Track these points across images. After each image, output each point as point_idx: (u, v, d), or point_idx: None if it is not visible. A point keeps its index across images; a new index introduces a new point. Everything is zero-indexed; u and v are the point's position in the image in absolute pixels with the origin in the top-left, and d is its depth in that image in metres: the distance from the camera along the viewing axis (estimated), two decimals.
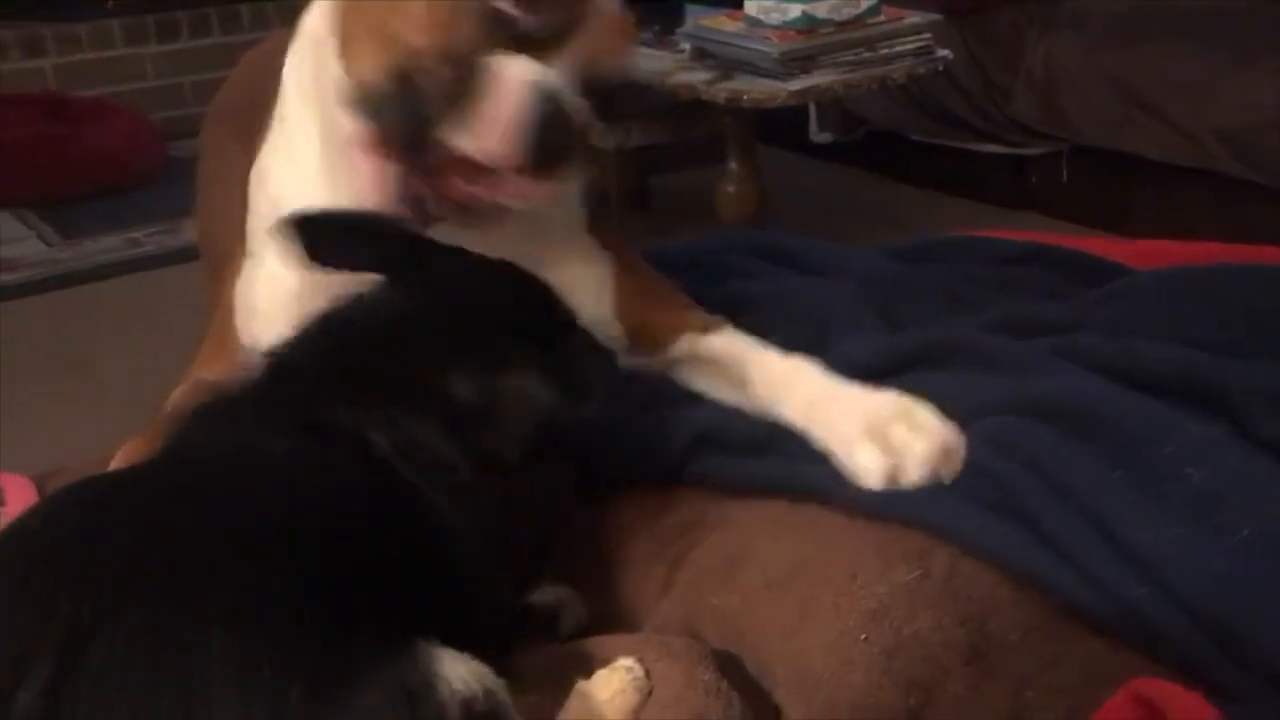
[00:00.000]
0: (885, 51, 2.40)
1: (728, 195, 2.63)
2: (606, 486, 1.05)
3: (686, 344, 1.13)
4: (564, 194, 1.07)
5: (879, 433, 0.94)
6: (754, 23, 2.38)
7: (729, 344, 1.10)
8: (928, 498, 0.90)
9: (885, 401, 0.97)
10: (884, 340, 1.13)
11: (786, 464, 0.97)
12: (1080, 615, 0.83)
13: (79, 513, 0.65)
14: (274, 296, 1.06)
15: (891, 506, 0.90)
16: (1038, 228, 2.98)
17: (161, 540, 0.61)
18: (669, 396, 1.10)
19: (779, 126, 3.16)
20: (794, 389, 1.02)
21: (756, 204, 2.67)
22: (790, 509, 0.94)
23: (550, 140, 0.91)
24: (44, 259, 3.13)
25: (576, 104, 0.93)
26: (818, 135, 3.46)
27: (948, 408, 0.97)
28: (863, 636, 0.80)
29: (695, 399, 1.09)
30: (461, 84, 0.90)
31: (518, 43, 0.92)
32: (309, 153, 1.03)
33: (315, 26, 1.05)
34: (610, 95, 0.98)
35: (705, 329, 1.13)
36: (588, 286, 1.10)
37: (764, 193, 2.69)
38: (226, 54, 4.01)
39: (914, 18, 2.46)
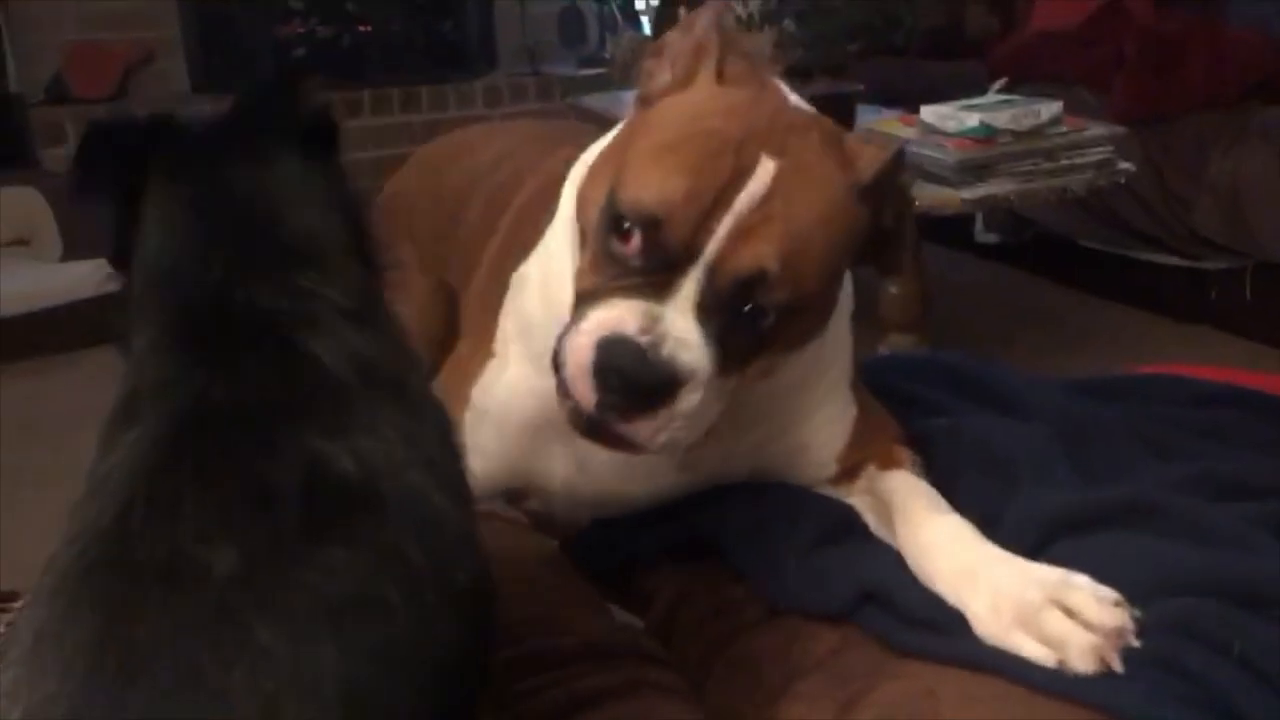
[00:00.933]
0: (1065, 162, 2.35)
1: (891, 297, 2.60)
2: (769, 612, 1.03)
3: (865, 479, 1.12)
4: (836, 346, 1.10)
5: (1033, 622, 0.89)
6: (929, 129, 2.36)
7: (895, 489, 1.08)
8: (1109, 685, 0.85)
9: (1038, 581, 0.92)
10: (1073, 496, 1.08)
11: (958, 641, 0.93)
12: None
13: None
14: (511, 402, 1.09)
15: (1070, 688, 0.85)
16: (1216, 345, 2.86)
17: None
18: (850, 529, 1.08)
19: (942, 223, 3.12)
20: (942, 557, 0.98)
21: (920, 307, 2.63)
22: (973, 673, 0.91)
23: (634, 384, 0.87)
24: None
25: (681, 338, 0.89)
26: (983, 235, 3.40)
27: (1135, 577, 0.92)
28: None
29: (873, 540, 1.07)
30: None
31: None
32: (563, 284, 1.02)
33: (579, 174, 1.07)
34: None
35: (886, 464, 1.12)
36: (831, 432, 1.12)
37: (929, 295, 2.65)
38: (405, 133, 4.19)
39: (1097, 129, 2.40)
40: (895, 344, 2.56)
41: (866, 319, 2.57)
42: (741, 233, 0.88)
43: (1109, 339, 2.94)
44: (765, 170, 0.89)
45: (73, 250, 3.31)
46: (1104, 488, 1.11)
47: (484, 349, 1.13)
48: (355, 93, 4.26)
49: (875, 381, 1.34)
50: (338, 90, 4.25)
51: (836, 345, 1.12)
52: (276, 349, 0.71)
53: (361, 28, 4.42)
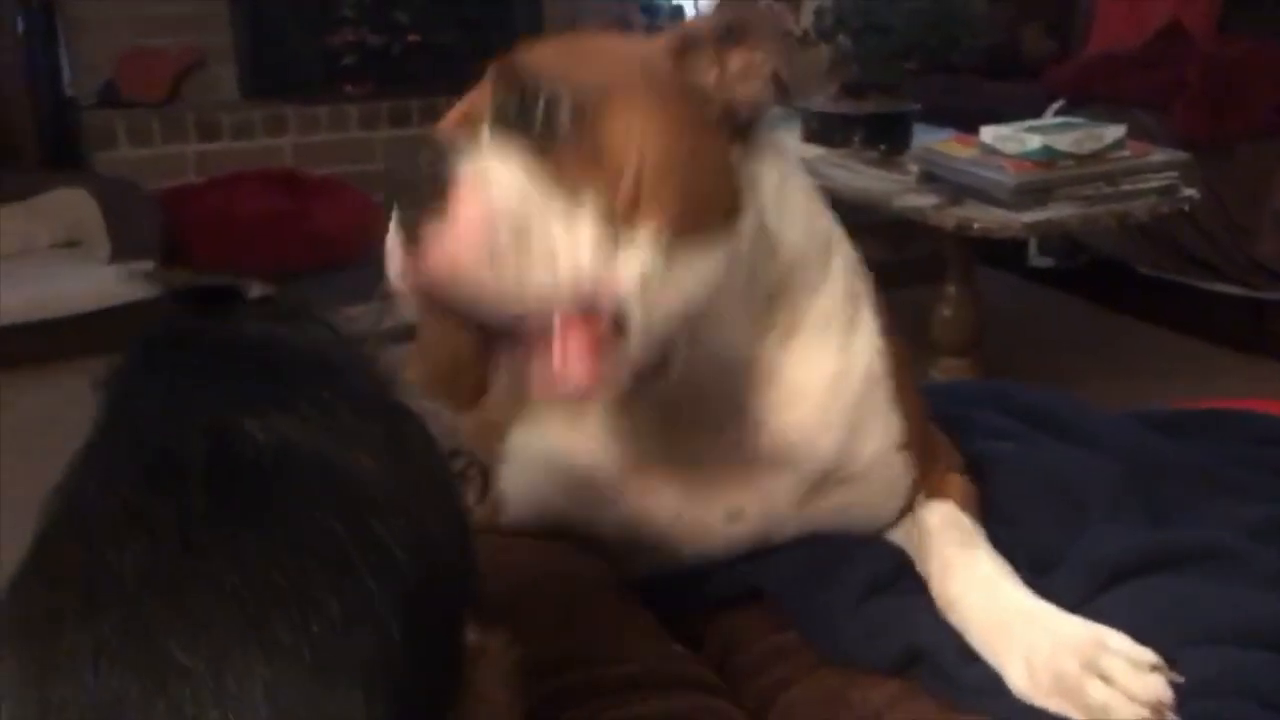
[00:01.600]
0: (1127, 188, 2.30)
1: (944, 320, 2.56)
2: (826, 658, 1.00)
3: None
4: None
5: (1072, 690, 0.86)
6: (989, 150, 2.31)
7: (931, 527, 1.03)
8: None
9: (1073, 647, 0.87)
10: (1146, 535, 1.04)
11: (1014, 701, 0.89)
12: None
13: None
14: (551, 456, 1.04)
15: None
16: (1275, 377, 2.79)
17: None
18: (902, 575, 1.03)
19: (995, 246, 3.07)
20: (973, 610, 0.94)
21: (974, 330, 2.58)
22: None
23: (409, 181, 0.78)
24: None
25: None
26: (1037, 259, 3.35)
27: (1209, 624, 0.89)
28: None
29: (923, 589, 1.03)
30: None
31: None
32: None
33: None
34: None
35: (933, 493, 1.07)
36: (885, 480, 1.05)
37: (982, 319, 2.60)
38: None
39: (1160, 154, 2.35)
40: (947, 368, 2.51)
41: (918, 343, 2.55)
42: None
43: (1166, 368, 2.87)
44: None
45: (122, 253, 3.33)
46: (1177, 529, 1.07)
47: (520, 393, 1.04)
48: (403, 101, 4.27)
49: (933, 407, 1.31)
50: (385, 99, 4.26)
51: (850, 331, 1.01)
52: (200, 335, 0.66)
53: (411, 37, 4.42)
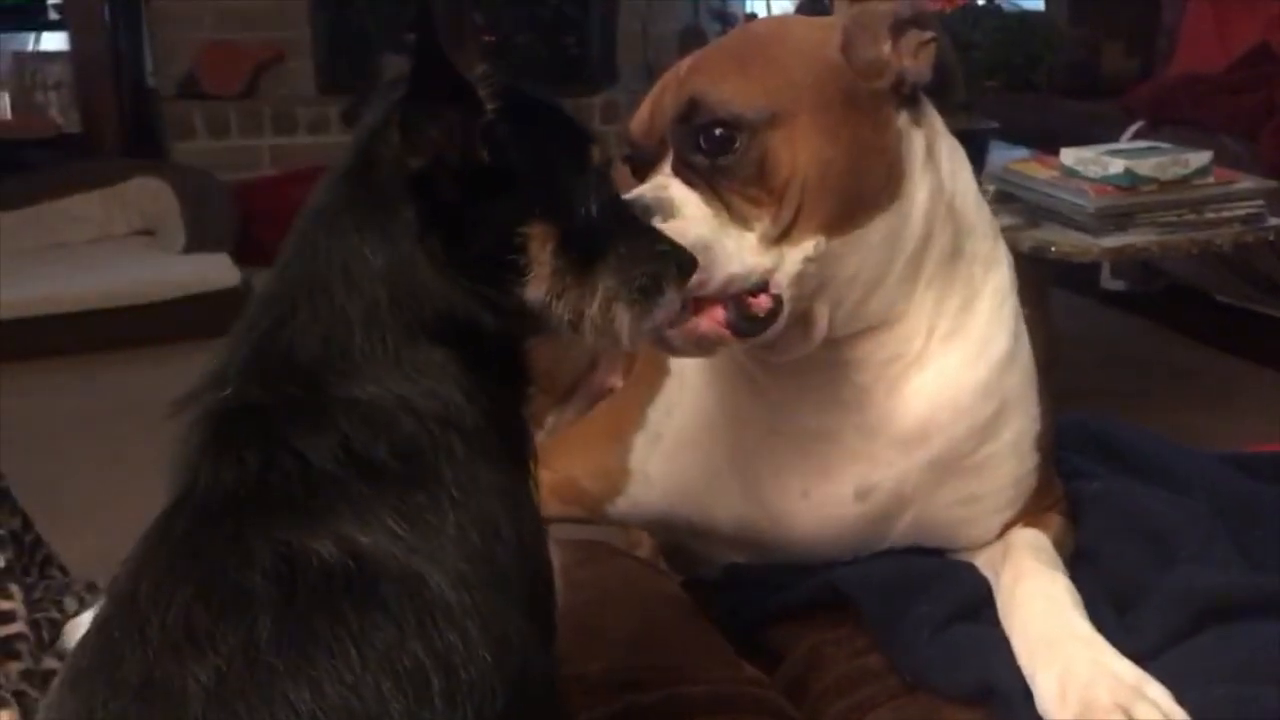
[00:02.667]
0: (1211, 215, 2.25)
1: None
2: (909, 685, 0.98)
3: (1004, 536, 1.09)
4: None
5: (1094, 718, 0.85)
6: (1070, 173, 2.27)
7: (1017, 541, 1.04)
8: None
9: (1111, 681, 0.87)
10: (1237, 578, 1.02)
11: None
12: None
13: None
14: (689, 426, 1.08)
15: None
16: None
17: None
18: (986, 604, 1.02)
19: (1068, 268, 3.02)
20: (1029, 618, 0.95)
21: (1046, 354, 2.53)
22: None
23: None
24: None
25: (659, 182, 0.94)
26: (1110, 282, 3.29)
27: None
28: None
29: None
30: None
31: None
32: None
33: None
34: None
35: (1031, 523, 1.08)
36: (1005, 482, 1.08)
37: (1054, 343, 2.56)
38: None
39: (1247, 182, 2.30)
40: None
41: None
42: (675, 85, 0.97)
43: (1246, 400, 2.80)
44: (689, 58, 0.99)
45: (197, 243, 3.38)
46: (1270, 573, 1.04)
47: (661, 365, 1.11)
48: None
49: None
50: None
51: (1018, 315, 1.09)
52: (261, 445, 0.64)
53: (487, 38, 4.45)
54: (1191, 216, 2.24)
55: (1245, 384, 2.91)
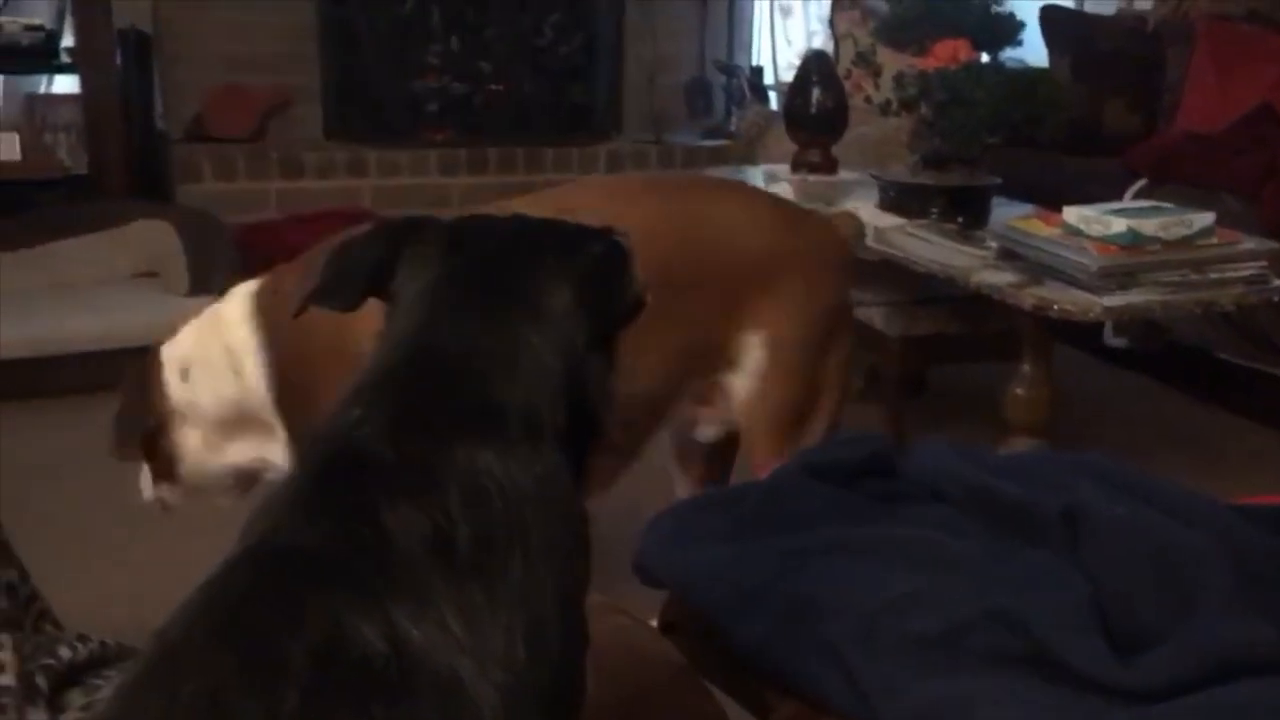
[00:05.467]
0: (1214, 276, 2.25)
1: (1017, 398, 2.51)
2: None
3: None
4: None
5: None
6: (1072, 231, 2.28)
7: None
8: None
9: None
10: (1263, 633, 1.01)
11: None
12: None
13: None
14: None
15: None
16: None
17: None
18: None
19: (1069, 324, 3.02)
20: None
21: (1047, 410, 2.53)
22: None
23: None
24: None
25: None
26: (1113, 339, 3.29)
27: None
28: None
29: None
30: None
31: None
32: None
33: None
34: None
35: None
36: None
37: (1056, 399, 2.56)
38: (528, 191, 4.23)
39: (1250, 243, 2.30)
40: (1019, 448, 2.46)
41: (989, 419, 2.51)
42: None
43: (1246, 460, 2.80)
44: None
45: (201, 285, 3.38)
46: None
47: None
48: (482, 150, 4.32)
49: (1026, 470, 1.28)
50: (464, 146, 4.32)
51: None
52: (354, 510, 0.64)
53: (494, 86, 4.49)
54: (1195, 277, 2.25)
55: (1246, 443, 2.91)
